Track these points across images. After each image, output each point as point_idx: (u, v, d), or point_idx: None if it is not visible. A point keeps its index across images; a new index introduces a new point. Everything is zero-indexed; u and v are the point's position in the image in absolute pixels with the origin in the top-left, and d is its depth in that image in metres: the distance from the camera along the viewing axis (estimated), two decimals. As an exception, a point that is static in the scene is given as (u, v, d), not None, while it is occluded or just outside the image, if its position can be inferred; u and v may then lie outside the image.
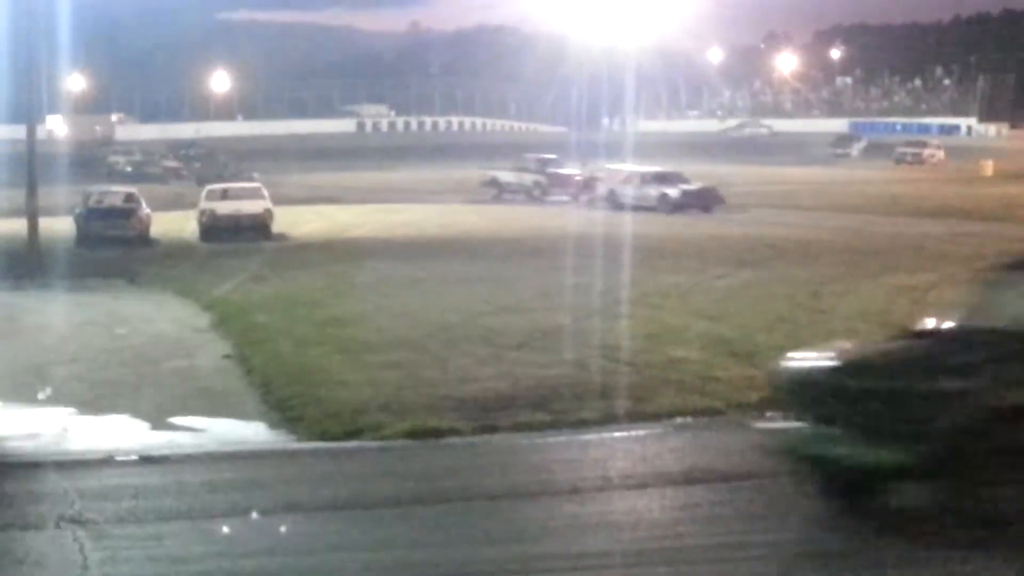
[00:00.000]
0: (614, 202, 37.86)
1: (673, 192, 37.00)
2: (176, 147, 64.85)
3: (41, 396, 13.45)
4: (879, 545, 7.75)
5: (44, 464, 10.55)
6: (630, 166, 41.39)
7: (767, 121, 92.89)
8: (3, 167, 34.35)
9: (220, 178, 42.83)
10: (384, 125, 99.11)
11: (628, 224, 30.01)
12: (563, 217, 35.49)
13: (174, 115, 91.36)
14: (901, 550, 7.64)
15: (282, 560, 7.91)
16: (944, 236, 30.21)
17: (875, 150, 64.63)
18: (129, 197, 32.98)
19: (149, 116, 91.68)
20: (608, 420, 11.77)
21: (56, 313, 19.59)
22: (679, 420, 11.89)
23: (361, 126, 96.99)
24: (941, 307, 18.37)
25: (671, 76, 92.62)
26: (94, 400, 13.15)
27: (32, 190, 26.36)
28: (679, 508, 9.18)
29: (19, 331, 18.18)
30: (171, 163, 58.54)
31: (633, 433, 11.48)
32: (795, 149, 62.17)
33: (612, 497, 9.43)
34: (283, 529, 8.64)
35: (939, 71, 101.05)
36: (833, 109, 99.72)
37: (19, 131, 28.40)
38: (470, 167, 53.29)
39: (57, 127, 78.06)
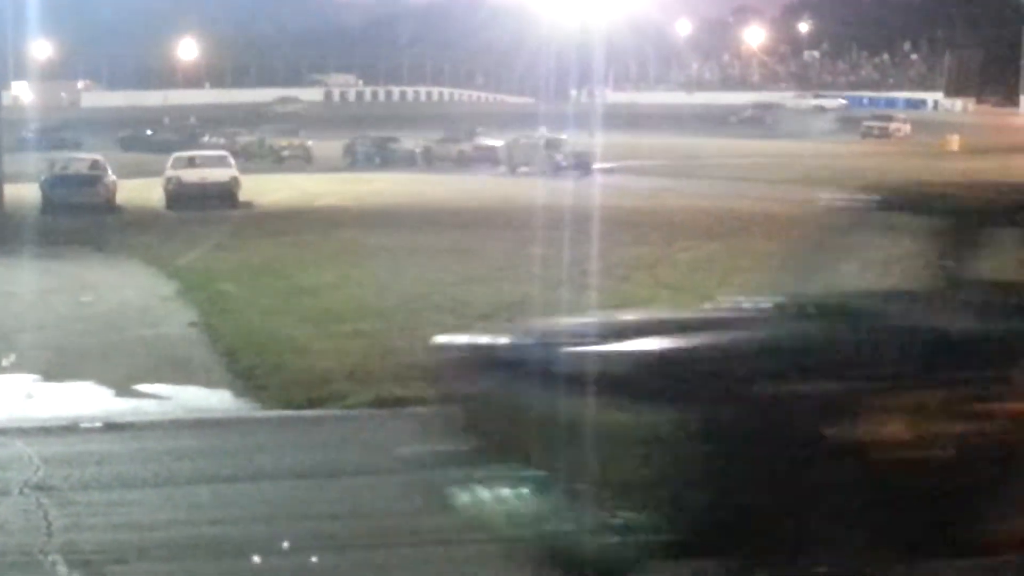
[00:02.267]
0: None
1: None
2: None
3: (5, 363, 13.41)
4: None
5: (8, 431, 10.54)
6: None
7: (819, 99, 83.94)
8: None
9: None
10: (352, 95, 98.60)
11: (586, 194, 30.06)
12: (525, 187, 35.51)
13: (141, 83, 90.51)
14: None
15: (246, 528, 7.96)
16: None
17: (845, 122, 64.85)
18: (95, 164, 32.79)
19: (116, 83, 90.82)
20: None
21: (21, 280, 19.49)
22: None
23: (329, 95, 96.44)
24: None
25: (640, 48, 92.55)
26: (59, 367, 13.13)
27: (-4, 156, 26.18)
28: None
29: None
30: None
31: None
32: (762, 121, 62.30)
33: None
34: (247, 497, 8.69)
35: (907, 46, 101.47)
36: (800, 83, 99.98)
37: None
38: (436, 137, 53.28)
39: (23, 94, 77.24)
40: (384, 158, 48.86)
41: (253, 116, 67.08)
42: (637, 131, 52.43)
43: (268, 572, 6.91)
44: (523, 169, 43.70)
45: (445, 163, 48.83)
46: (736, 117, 68.38)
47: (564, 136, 46.31)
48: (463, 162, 48.20)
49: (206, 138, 55.85)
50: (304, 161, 49.91)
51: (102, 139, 55.15)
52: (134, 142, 58.74)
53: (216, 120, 62.54)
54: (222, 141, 53.97)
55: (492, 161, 46.84)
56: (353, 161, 49.62)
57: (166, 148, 54.25)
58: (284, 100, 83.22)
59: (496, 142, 49.01)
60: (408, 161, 48.90)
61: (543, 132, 48.55)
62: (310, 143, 52.88)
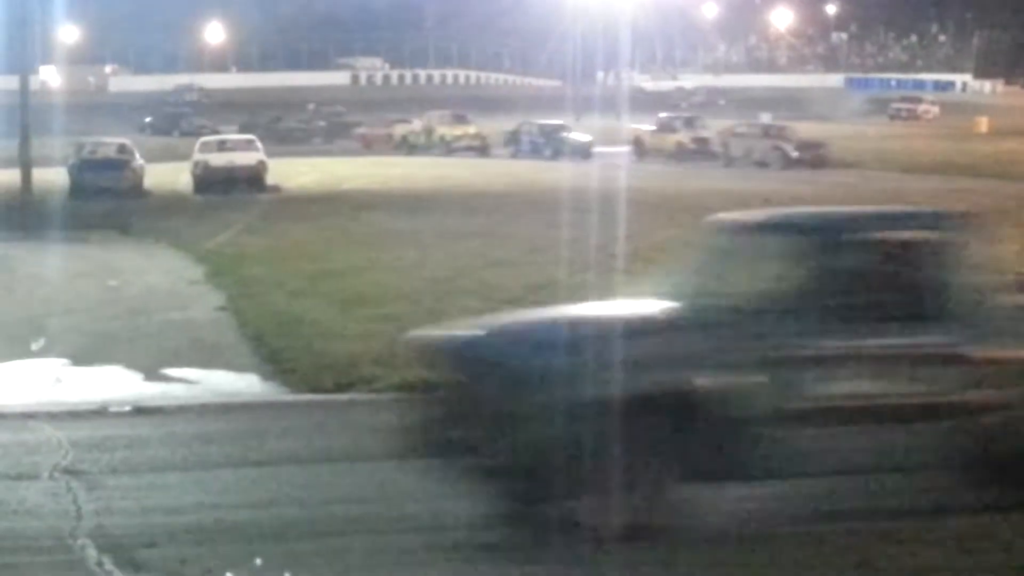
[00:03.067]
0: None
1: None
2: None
3: (34, 347, 13.48)
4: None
5: (37, 415, 10.59)
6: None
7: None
8: (4, 117, 34.21)
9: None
10: (379, 78, 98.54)
11: (611, 176, 29.94)
12: (551, 171, 35.42)
13: (168, 66, 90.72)
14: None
15: (274, 511, 7.97)
16: (938, 192, 30.20)
17: (874, 104, 64.20)
18: (122, 148, 32.89)
19: (143, 67, 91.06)
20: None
21: (49, 264, 19.59)
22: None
23: (355, 78, 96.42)
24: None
25: (666, 31, 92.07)
26: (87, 351, 13.18)
27: (25, 141, 26.26)
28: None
29: (12, 282, 18.17)
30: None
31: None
32: (795, 105, 61.92)
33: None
34: (275, 480, 8.70)
35: (935, 27, 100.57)
36: (828, 65, 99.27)
37: (13, 82, 28.23)
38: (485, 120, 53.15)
39: (51, 78, 77.57)
40: (555, 148, 42.02)
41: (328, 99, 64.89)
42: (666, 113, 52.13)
43: (297, 556, 6.92)
44: (739, 160, 38.29)
45: (657, 156, 40.80)
46: (686, 102, 66.07)
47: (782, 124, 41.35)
48: (680, 155, 40.35)
49: (362, 129, 50.06)
50: (479, 152, 43.64)
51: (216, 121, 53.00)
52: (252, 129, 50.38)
53: (244, 105, 62.49)
54: (379, 131, 48.39)
55: (706, 154, 39.90)
56: (517, 151, 43.43)
57: (303, 139, 50.84)
58: (185, 88, 76.48)
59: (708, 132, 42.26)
60: (581, 152, 41.17)
61: (764, 118, 43.91)
62: (484, 132, 46.34)
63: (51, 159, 32.02)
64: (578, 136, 43.43)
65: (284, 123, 53.01)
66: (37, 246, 22.04)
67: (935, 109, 62.84)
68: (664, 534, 6.53)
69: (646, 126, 43.40)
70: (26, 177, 26.07)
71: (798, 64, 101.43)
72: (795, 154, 37.61)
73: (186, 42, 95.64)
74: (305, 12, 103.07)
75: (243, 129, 49.64)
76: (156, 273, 18.77)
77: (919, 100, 65.38)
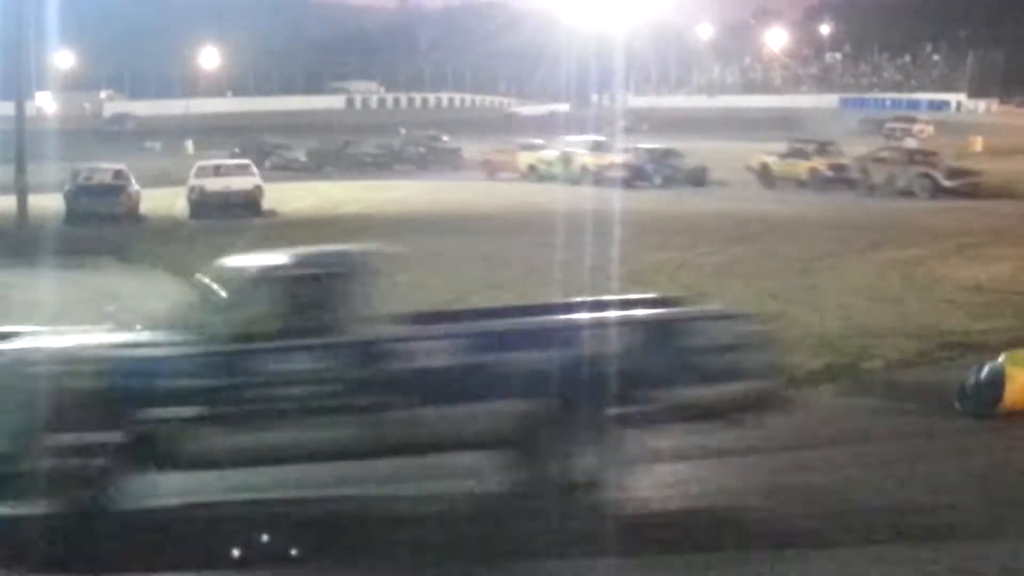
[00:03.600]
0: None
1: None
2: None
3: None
4: None
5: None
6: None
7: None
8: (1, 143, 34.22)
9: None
10: (374, 101, 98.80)
11: (606, 199, 29.99)
12: (546, 193, 35.42)
13: (163, 92, 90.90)
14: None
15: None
16: (932, 211, 30.26)
17: (868, 124, 64.42)
18: (118, 174, 32.88)
19: (138, 93, 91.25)
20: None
21: (44, 290, 19.52)
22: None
23: (351, 102, 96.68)
24: (917, 279, 18.61)
25: (660, 52, 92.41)
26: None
27: (21, 167, 26.27)
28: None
29: (8, 309, 18.11)
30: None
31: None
32: (786, 125, 62.08)
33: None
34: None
35: (928, 47, 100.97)
36: (822, 85, 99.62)
37: (8, 108, 28.26)
38: (459, 143, 53.21)
39: (46, 104, 77.72)
40: (668, 176, 38.62)
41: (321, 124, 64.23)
42: (659, 136, 52.24)
43: None
44: (881, 188, 34.99)
45: (786, 184, 37.41)
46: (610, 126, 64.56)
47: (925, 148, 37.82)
48: (815, 184, 36.64)
49: (487, 155, 46.67)
50: (624, 183, 36.31)
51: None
52: (321, 156, 50.21)
53: (247, 129, 62.48)
54: (503, 157, 45.08)
55: (844, 181, 36.40)
56: (630, 178, 37.54)
57: (383, 165, 48.75)
58: (121, 116, 74.28)
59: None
60: (694, 180, 38.67)
61: (907, 141, 40.21)
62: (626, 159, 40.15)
63: (47, 185, 32.02)
64: (691, 161, 40.21)
65: (354, 148, 51.25)
66: (32, 272, 21.98)
67: (929, 129, 63.03)
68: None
69: (770, 152, 39.73)
70: (22, 203, 26.08)
71: (792, 85, 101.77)
72: (947, 183, 34.50)
73: (181, 67, 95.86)
74: (300, 37, 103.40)
75: (311, 156, 50.08)
76: (152, 299, 18.69)
77: (913, 120, 65.57)
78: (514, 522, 8.08)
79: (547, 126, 55.70)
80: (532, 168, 42.71)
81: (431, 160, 49.99)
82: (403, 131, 54.59)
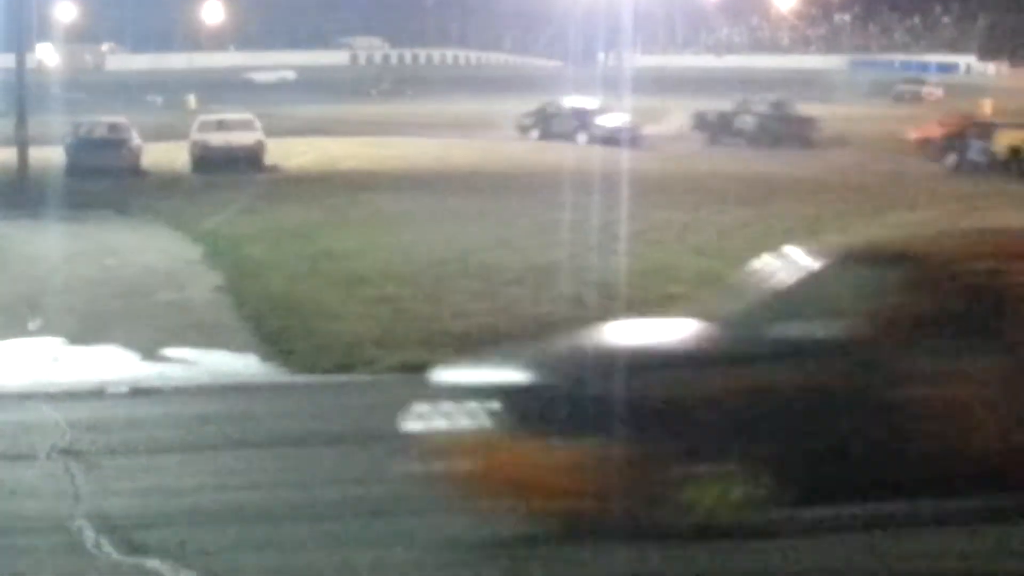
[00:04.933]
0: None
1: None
2: None
3: (31, 327, 13.37)
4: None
5: (35, 395, 10.50)
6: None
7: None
8: (1, 96, 34.03)
9: None
10: (378, 58, 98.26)
11: (615, 158, 29.80)
12: (549, 152, 35.25)
13: (165, 45, 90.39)
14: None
15: (272, 493, 7.88)
16: (942, 174, 30.07)
17: (876, 86, 63.93)
18: (119, 128, 32.71)
19: (140, 46, 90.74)
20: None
21: (45, 244, 19.45)
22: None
23: (354, 58, 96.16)
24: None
25: (668, 11, 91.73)
26: (84, 331, 13.07)
27: (21, 119, 26.10)
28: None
29: (8, 262, 18.06)
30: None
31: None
32: (802, 86, 61.63)
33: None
34: (274, 462, 8.60)
35: (938, 9, 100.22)
36: (830, 46, 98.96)
37: (9, 60, 28.04)
38: (463, 101, 52.97)
39: (47, 56, 77.26)
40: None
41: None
42: (668, 95, 51.90)
43: (294, 538, 6.82)
44: None
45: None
46: (376, 89, 62.35)
47: None
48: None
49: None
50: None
51: None
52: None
53: (242, 84, 62.03)
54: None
55: None
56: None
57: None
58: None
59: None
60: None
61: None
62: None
63: (47, 138, 31.84)
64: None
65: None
66: (33, 225, 21.92)
67: (939, 91, 62.61)
68: None
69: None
70: (22, 156, 25.92)
71: (801, 45, 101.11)
72: None
73: (184, 20, 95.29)
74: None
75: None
76: (153, 253, 18.64)
77: (923, 82, 65.17)
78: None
79: (546, 84, 55.28)
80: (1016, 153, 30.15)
81: (775, 132, 38.49)
82: (744, 99, 42.21)
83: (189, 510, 7.38)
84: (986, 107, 52.27)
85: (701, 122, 41.09)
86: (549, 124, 41.14)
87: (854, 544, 6.05)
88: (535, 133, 41.48)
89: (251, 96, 53.46)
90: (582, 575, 6.05)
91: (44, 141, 30.77)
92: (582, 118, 40.09)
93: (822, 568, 5.89)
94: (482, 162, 33.28)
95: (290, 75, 57.97)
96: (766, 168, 31.20)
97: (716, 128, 40.02)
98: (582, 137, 38.66)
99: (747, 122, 39.41)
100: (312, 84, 65.00)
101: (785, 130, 38.55)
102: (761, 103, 41.07)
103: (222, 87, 58.56)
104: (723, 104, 41.57)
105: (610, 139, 36.83)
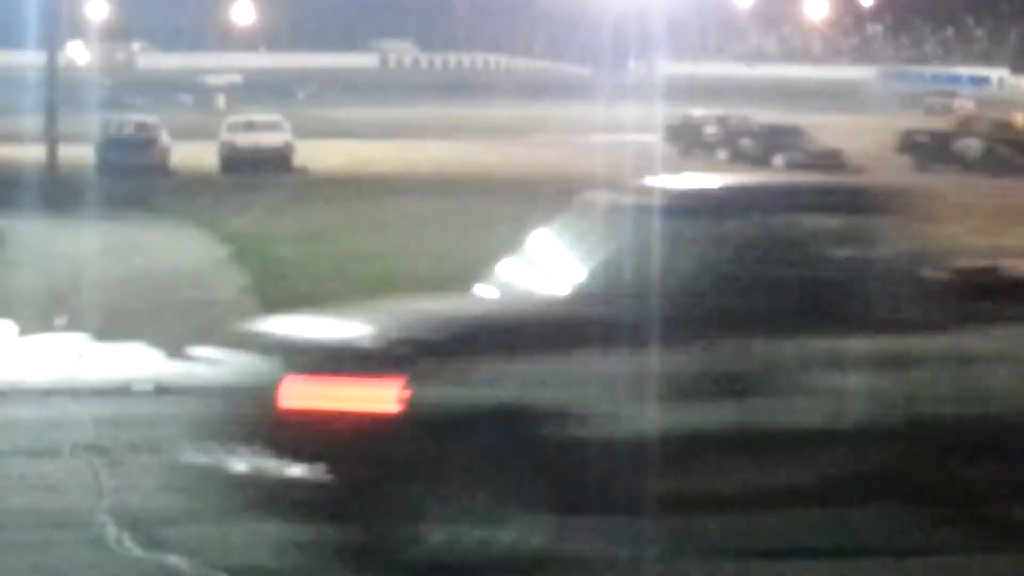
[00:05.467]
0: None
1: None
2: None
3: (57, 323, 13.38)
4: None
5: (59, 391, 10.49)
6: None
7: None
8: (31, 93, 34.25)
9: None
10: (408, 61, 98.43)
11: (653, 164, 29.67)
12: (580, 157, 35.15)
13: (196, 44, 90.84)
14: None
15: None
16: (972, 188, 29.85)
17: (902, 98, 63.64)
18: (148, 127, 32.86)
19: (171, 45, 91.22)
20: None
21: (72, 241, 19.50)
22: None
23: (384, 61, 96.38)
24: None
25: (700, 19, 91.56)
26: (110, 328, 13.04)
27: (51, 116, 26.22)
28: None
29: (36, 258, 18.10)
30: None
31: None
32: (829, 96, 61.54)
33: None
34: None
35: (971, 21, 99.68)
36: (862, 56, 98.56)
37: (41, 57, 28.19)
38: (493, 106, 52.98)
39: (78, 54, 77.73)
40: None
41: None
42: (700, 104, 51.67)
43: (324, 540, 6.77)
44: None
45: None
46: (304, 91, 61.16)
47: None
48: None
49: None
50: None
51: None
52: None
53: (272, 85, 62.26)
54: None
55: None
56: None
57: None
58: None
59: None
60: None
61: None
62: None
63: (77, 136, 31.99)
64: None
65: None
66: (61, 223, 21.99)
67: (970, 104, 62.28)
68: None
69: None
70: (52, 154, 26.04)
71: (832, 55, 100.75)
72: None
73: (216, 20, 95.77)
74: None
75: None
76: (180, 252, 18.65)
77: (954, 94, 64.86)
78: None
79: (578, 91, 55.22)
80: None
81: (1003, 157, 34.70)
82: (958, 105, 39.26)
83: (212, 508, 7.34)
84: (1018, 120, 51.94)
85: (909, 144, 36.65)
86: (736, 143, 35.75)
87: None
88: (723, 152, 35.84)
89: (276, 97, 53.64)
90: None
91: (73, 139, 30.93)
92: (780, 138, 35.29)
93: None
94: (512, 167, 33.24)
95: (236, 78, 59.15)
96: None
97: (929, 152, 35.45)
98: (779, 160, 33.92)
99: (970, 146, 35.20)
100: (342, 86, 65.19)
101: (1015, 156, 33.99)
102: (984, 122, 37.01)
103: (176, 88, 58.11)
104: (891, 120, 38.24)
105: (814, 164, 32.46)
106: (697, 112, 40.10)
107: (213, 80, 61.23)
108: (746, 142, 35.76)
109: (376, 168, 32.35)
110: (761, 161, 33.85)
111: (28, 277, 16.35)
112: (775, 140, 35.21)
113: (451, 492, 5.44)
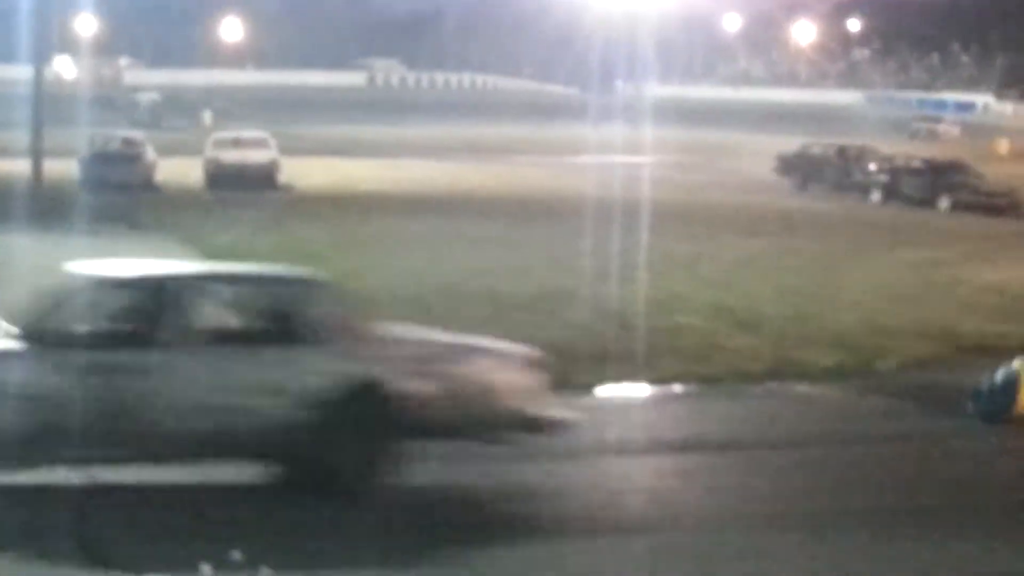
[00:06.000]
0: None
1: None
2: None
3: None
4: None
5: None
6: None
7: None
8: (18, 108, 34.10)
9: None
10: (395, 80, 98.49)
11: (641, 186, 29.67)
12: (567, 177, 35.18)
13: (184, 61, 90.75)
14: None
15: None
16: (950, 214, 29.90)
17: (890, 123, 63.87)
18: (133, 142, 32.75)
19: (159, 61, 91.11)
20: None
21: (55, 257, 19.34)
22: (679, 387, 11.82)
23: (372, 80, 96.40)
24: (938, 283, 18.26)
25: (688, 42, 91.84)
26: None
27: (37, 131, 26.11)
28: (674, 475, 9.09)
29: (18, 275, 17.97)
30: None
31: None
32: (811, 121, 61.65)
33: (607, 462, 9.34)
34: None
35: (957, 47, 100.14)
36: (848, 81, 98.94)
37: (27, 72, 28.11)
38: (480, 126, 53.01)
39: (65, 69, 77.57)
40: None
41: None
42: (686, 127, 51.86)
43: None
44: None
45: None
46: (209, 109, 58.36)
47: None
48: None
49: None
50: None
51: None
52: None
53: (259, 103, 62.18)
54: None
55: None
56: None
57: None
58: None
59: None
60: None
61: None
62: None
63: (62, 150, 31.87)
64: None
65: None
66: (44, 238, 21.84)
67: (955, 129, 62.55)
68: None
69: None
70: (36, 168, 25.90)
71: (818, 79, 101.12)
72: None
73: (203, 37, 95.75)
74: (324, 10, 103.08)
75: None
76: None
77: (939, 119, 65.13)
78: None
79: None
80: None
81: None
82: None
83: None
84: (1002, 147, 52.16)
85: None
86: (898, 181, 32.48)
87: None
88: (876, 194, 32.48)
89: (263, 114, 53.50)
90: None
91: (58, 154, 30.81)
92: (944, 177, 32.16)
93: None
94: (498, 187, 33.22)
95: (156, 95, 61.29)
96: None
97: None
98: (944, 202, 31.17)
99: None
100: (329, 105, 65.17)
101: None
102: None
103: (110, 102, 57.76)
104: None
105: (985, 205, 30.15)
106: (814, 145, 37.12)
107: (140, 97, 62.84)
108: (907, 181, 32.48)
109: (362, 187, 32.29)
110: (926, 203, 30.98)
111: (9, 294, 16.20)
112: (939, 179, 32.08)
113: None
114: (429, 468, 8.35)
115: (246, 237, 21.55)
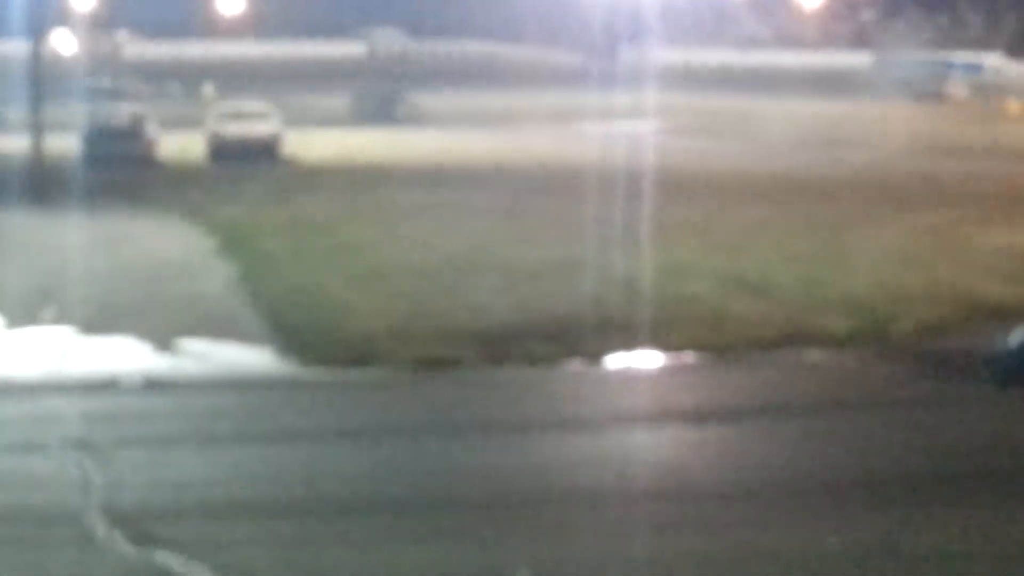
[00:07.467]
0: None
1: None
2: None
3: (45, 316, 13.24)
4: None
5: (47, 386, 10.38)
6: None
7: None
8: (18, 83, 33.91)
9: None
10: (396, 49, 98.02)
11: (647, 153, 29.52)
12: (573, 145, 35.01)
13: (184, 33, 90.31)
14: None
15: (283, 488, 7.75)
16: (965, 174, 29.75)
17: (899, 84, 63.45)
18: (135, 117, 32.59)
19: (158, 33, 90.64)
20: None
21: (59, 234, 19.31)
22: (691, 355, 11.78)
23: (373, 49, 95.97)
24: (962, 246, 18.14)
25: (694, 5, 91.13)
26: (98, 322, 12.92)
27: (36, 106, 25.92)
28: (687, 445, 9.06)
29: (22, 251, 17.93)
30: None
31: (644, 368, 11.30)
32: (818, 83, 61.39)
33: (619, 432, 9.33)
34: (286, 457, 8.47)
35: (965, 6, 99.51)
36: (857, 43, 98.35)
37: (25, 46, 27.88)
38: (482, 94, 52.73)
39: (62, 43, 77.17)
40: None
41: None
42: (694, 91, 51.57)
43: (304, 534, 6.69)
44: None
45: None
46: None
47: None
48: None
49: None
50: None
51: None
52: None
53: (260, 74, 61.90)
54: None
55: None
56: None
57: None
58: None
59: None
60: None
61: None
62: None
63: (62, 126, 31.71)
64: None
65: None
66: (47, 215, 21.79)
67: (963, 90, 62.21)
68: None
69: None
70: (37, 144, 25.72)
71: (826, 42, 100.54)
72: None
73: (203, 8, 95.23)
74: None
75: None
76: (168, 244, 18.48)
77: (947, 80, 64.84)
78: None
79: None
80: None
81: None
82: None
83: (200, 504, 7.28)
84: (1013, 107, 51.88)
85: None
86: None
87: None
88: None
89: (264, 86, 53.28)
90: None
91: (58, 129, 30.65)
92: None
93: None
94: (503, 156, 33.06)
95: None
96: None
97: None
98: None
99: None
100: (330, 75, 64.91)
101: None
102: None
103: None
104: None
105: None
106: None
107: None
108: None
109: (366, 158, 32.15)
110: None
111: (13, 270, 16.19)
112: None
113: None
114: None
115: (250, 210, 21.47)
